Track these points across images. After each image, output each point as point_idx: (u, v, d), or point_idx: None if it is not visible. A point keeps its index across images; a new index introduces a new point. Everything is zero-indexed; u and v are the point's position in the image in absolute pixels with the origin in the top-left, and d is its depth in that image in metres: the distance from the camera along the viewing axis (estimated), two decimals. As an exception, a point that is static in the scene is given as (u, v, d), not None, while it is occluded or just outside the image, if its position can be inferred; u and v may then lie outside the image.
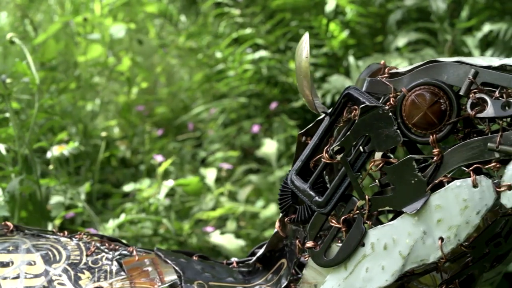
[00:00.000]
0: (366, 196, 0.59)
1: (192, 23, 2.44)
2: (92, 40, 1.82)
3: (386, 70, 0.62)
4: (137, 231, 1.35)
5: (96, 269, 0.71)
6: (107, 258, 0.72)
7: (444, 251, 0.56)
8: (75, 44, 1.90)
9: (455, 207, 0.56)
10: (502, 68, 0.57)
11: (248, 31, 2.22)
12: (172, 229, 1.33)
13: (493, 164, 0.56)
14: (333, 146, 0.60)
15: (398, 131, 0.58)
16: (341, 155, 0.60)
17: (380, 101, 0.60)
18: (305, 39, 0.63)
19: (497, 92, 0.56)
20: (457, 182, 0.56)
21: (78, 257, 0.72)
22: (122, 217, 1.25)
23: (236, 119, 2.36)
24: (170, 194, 1.64)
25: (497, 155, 0.55)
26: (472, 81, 0.56)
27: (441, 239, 0.56)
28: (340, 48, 2.22)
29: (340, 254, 0.59)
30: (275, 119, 2.14)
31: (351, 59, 1.90)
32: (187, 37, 2.34)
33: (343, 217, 0.60)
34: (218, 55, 2.19)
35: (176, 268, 0.70)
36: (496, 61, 0.57)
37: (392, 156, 0.59)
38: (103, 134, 1.56)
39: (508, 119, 0.57)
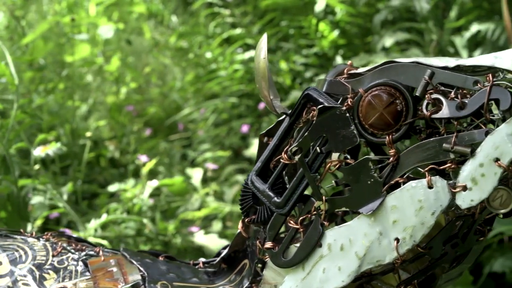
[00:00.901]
0: (323, 197, 0.59)
1: (183, 23, 2.44)
2: (80, 40, 1.81)
3: (345, 71, 0.62)
4: (119, 231, 1.35)
5: (62, 270, 0.71)
6: (73, 259, 0.72)
7: (400, 252, 0.56)
8: (63, 44, 1.90)
9: (411, 208, 0.56)
10: (458, 68, 0.57)
11: (238, 31, 2.22)
12: (154, 229, 1.33)
13: (448, 165, 0.56)
14: (292, 147, 0.61)
15: (355, 131, 0.58)
16: (299, 155, 0.60)
17: (339, 102, 0.60)
18: (263, 40, 0.63)
19: (452, 93, 0.56)
20: (412, 183, 0.56)
21: (44, 258, 0.72)
22: (104, 217, 1.24)
23: (228, 119, 2.36)
24: (156, 194, 1.64)
25: (452, 156, 0.55)
26: (428, 82, 0.56)
27: (397, 240, 0.56)
28: (330, 48, 2.22)
29: (298, 255, 0.59)
30: (264, 119, 2.14)
31: (338, 59, 1.90)
32: (178, 37, 2.35)
33: (301, 218, 0.60)
34: (208, 55, 2.20)
35: (141, 268, 0.70)
36: (452, 62, 0.57)
37: (348, 156, 0.59)
38: (88, 134, 1.56)
39: (468, 120, 0.57)
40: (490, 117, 0.55)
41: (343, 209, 0.59)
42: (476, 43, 2.00)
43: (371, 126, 0.58)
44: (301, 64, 2.26)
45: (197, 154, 2.10)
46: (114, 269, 0.71)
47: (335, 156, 0.60)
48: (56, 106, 1.76)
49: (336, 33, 2.20)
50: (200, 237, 1.42)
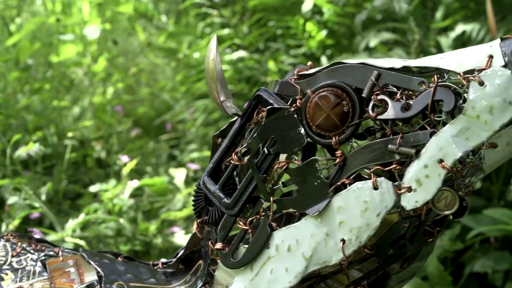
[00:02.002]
0: (271, 198, 0.59)
1: (173, 23, 2.44)
2: (66, 40, 1.82)
3: (295, 72, 0.62)
4: (98, 231, 1.35)
5: (20, 270, 0.71)
6: (32, 259, 0.72)
7: (346, 253, 0.56)
8: (50, 44, 1.90)
9: (356, 209, 0.56)
10: (404, 69, 0.57)
11: (226, 31, 2.22)
12: (131, 229, 1.33)
13: (394, 166, 0.55)
14: (241, 148, 0.61)
15: (302, 133, 0.58)
16: (248, 157, 0.60)
17: (289, 103, 0.60)
18: (213, 42, 0.63)
19: (398, 94, 0.56)
20: (358, 184, 0.56)
21: (4, 258, 0.72)
22: (81, 217, 1.25)
23: (217, 119, 2.36)
24: (139, 194, 1.64)
25: (397, 157, 0.55)
26: (375, 83, 0.56)
27: (343, 241, 0.56)
28: (318, 48, 2.22)
29: (246, 256, 0.59)
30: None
31: (323, 59, 1.90)
32: (167, 37, 2.35)
33: (249, 219, 0.60)
34: (196, 55, 2.20)
35: (98, 269, 0.70)
36: (399, 63, 0.57)
37: (296, 157, 0.59)
38: (70, 134, 1.56)
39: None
40: (435, 118, 0.55)
41: (291, 210, 0.59)
42: (463, 43, 2.00)
43: (318, 127, 0.58)
44: (289, 64, 2.26)
45: (184, 154, 2.10)
46: (72, 269, 0.71)
47: (283, 157, 0.60)
48: (41, 106, 1.77)
49: (324, 33, 2.20)
50: (180, 237, 1.42)
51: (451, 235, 1.52)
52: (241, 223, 0.61)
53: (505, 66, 0.53)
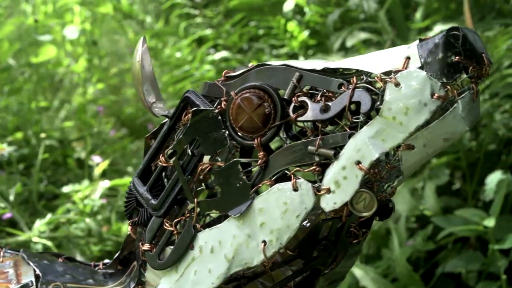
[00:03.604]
0: (195, 199, 0.59)
1: (157, 23, 2.44)
2: (45, 41, 1.82)
3: (223, 73, 0.62)
4: (68, 232, 1.35)
5: (-41, 271, 0.71)
6: (-28, 260, 0.72)
7: (267, 255, 0.56)
8: (31, 45, 1.90)
9: (276, 211, 0.56)
10: (324, 71, 0.57)
11: (208, 31, 2.22)
12: (98, 229, 1.33)
13: (313, 167, 0.56)
14: (168, 149, 0.61)
15: (226, 134, 0.58)
16: (174, 158, 0.60)
17: (215, 105, 0.60)
18: (139, 43, 0.63)
19: (319, 96, 0.56)
20: (278, 186, 0.56)
21: None
22: (48, 217, 1.25)
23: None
24: (114, 195, 1.64)
25: (317, 158, 0.55)
26: (296, 85, 0.56)
27: (264, 242, 0.56)
28: (301, 48, 2.22)
29: (171, 257, 0.60)
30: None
31: (302, 59, 1.90)
32: (151, 37, 2.35)
33: (175, 220, 0.60)
34: (178, 55, 2.20)
35: (36, 270, 0.70)
36: (321, 64, 0.57)
37: (219, 159, 0.60)
38: (42, 135, 1.57)
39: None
40: (354, 119, 0.55)
41: (214, 211, 0.59)
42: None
43: (241, 129, 0.58)
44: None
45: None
46: (10, 270, 0.71)
47: (206, 158, 0.60)
48: (19, 107, 1.77)
49: (306, 33, 2.19)
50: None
51: (423, 236, 1.52)
52: (167, 224, 0.61)
53: (421, 67, 0.53)
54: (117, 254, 0.71)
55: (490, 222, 1.39)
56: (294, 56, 2.25)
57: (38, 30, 1.92)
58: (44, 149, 1.84)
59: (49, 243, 1.24)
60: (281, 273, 0.64)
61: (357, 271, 1.28)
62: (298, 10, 2.21)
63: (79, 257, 1.35)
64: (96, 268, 0.74)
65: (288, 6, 2.11)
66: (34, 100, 1.85)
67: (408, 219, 1.56)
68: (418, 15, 1.97)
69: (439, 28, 1.86)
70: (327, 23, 1.73)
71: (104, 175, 1.72)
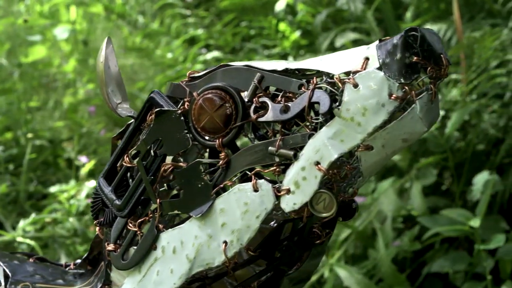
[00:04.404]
0: (158, 200, 0.59)
1: (149, 23, 2.45)
2: (34, 41, 1.82)
3: (187, 74, 0.62)
4: (53, 232, 1.35)
5: None
6: None
7: (228, 255, 0.56)
8: (20, 45, 1.91)
9: (237, 211, 0.56)
10: (286, 71, 0.57)
11: (200, 31, 2.23)
12: (81, 229, 1.34)
13: (274, 168, 0.56)
14: (131, 150, 0.61)
15: (188, 135, 0.58)
16: (137, 158, 0.60)
17: (179, 106, 0.60)
18: (103, 44, 0.63)
19: (280, 96, 0.56)
20: (239, 186, 0.56)
21: None
22: (31, 217, 1.25)
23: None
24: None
25: (277, 159, 0.55)
26: (257, 86, 0.56)
27: (225, 242, 0.57)
28: (293, 48, 2.22)
29: (134, 257, 0.60)
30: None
31: (290, 59, 1.90)
32: (143, 37, 2.35)
33: (139, 221, 0.60)
34: (170, 55, 2.20)
35: (6, 270, 0.70)
36: (282, 65, 0.57)
37: (181, 160, 0.60)
38: (29, 135, 1.57)
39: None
40: (313, 120, 0.55)
41: (176, 212, 0.59)
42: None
43: (203, 130, 0.58)
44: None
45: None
46: (-19, 270, 0.71)
47: (169, 159, 0.60)
48: (8, 107, 1.77)
49: (298, 33, 2.20)
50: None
51: (410, 236, 1.52)
52: (130, 225, 0.61)
53: (379, 68, 0.53)
54: (86, 254, 0.71)
55: (475, 223, 1.39)
56: (286, 56, 2.25)
57: (29, 30, 1.92)
58: (34, 149, 1.84)
59: (33, 243, 1.24)
60: (249, 273, 0.64)
61: (341, 271, 1.29)
62: (290, 10, 2.21)
63: (64, 257, 1.36)
64: (67, 269, 0.74)
65: (279, 6, 2.11)
66: (24, 100, 1.85)
67: (395, 220, 1.56)
68: (408, 15, 1.97)
69: (428, 27, 1.86)
70: (314, 23, 1.73)
71: (93, 175, 1.72)
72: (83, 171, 1.48)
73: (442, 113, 1.62)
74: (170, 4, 2.28)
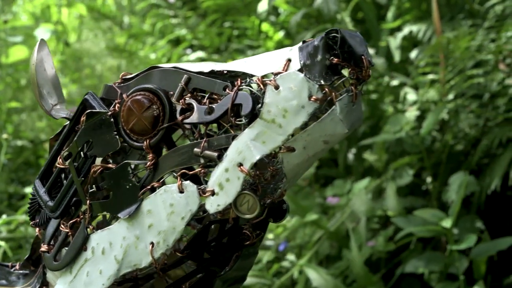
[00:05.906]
0: (88, 201, 0.60)
1: (134, 24, 2.45)
2: (15, 42, 1.83)
3: (120, 76, 0.63)
4: (26, 232, 1.36)
5: None
6: None
7: (155, 256, 0.57)
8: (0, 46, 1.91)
9: (163, 212, 0.56)
10: (213, 73, 0.57)
11: (183, 32, 2.23)
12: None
13: (199, 169, 0.56)
14: (64, 151, 0.61)
15: (116, 137, 0.58)
16: (69, 160, 0.60)
17: (111, 107, 0.60)
18: (36, 46, 0.64)
19: (205, 98, 0.56)
20: (165, 188, 0.56)
21: None
22: (2, 217, 1.26)
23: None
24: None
25: (202, 160, 0.56)
26: (184, 87, 0.57)
27: (152, 244, 0.57)
28: (277, 49, 2.22)
29: (65, 258, 0.60)
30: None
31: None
32: (128, 37, 2.36)
33: (70, 222, 0.61)
34: (153, 56, 2.21)
35: (-50, 271, 0.71)
36: (209, 67, 0.57)
37: (111, 161, 0.60)
38: (5, 136, 1.57)
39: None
40: (237, 122, 0.55)
41: (105, 213, 0.59)
42: (415, 44, 2.00)
43: (132, 131, 0.58)
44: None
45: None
46: None
47: (98, 160, 0.60)
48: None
49: (281, 33, 2.20)
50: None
51: (385, 236, 1.52)
52: (63, 226, 0.61)
53: (300, 70, 0.53)
54: (27, 255, 0.71)
55: (447, 223, 1.39)
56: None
57: (11, 31, 1.92)
58: (15, 149, 1.85)
59: (3, 244, 1.24)
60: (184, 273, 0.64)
61: (311, 272, 1.29)
62: (273, 11, 2.21)
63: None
64: (13, 269, 0.74)
65: (262, 7, 2.11)
66: (4, 101, 1.86)
67: (371, 220, 1.56)
68: (389, 15, 1.97)
69: (408, 28, 1.86)
70: (290, 24, 1.73)
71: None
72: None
73: (418, 113, 1.62)
74: (155, 4, 2.28)
